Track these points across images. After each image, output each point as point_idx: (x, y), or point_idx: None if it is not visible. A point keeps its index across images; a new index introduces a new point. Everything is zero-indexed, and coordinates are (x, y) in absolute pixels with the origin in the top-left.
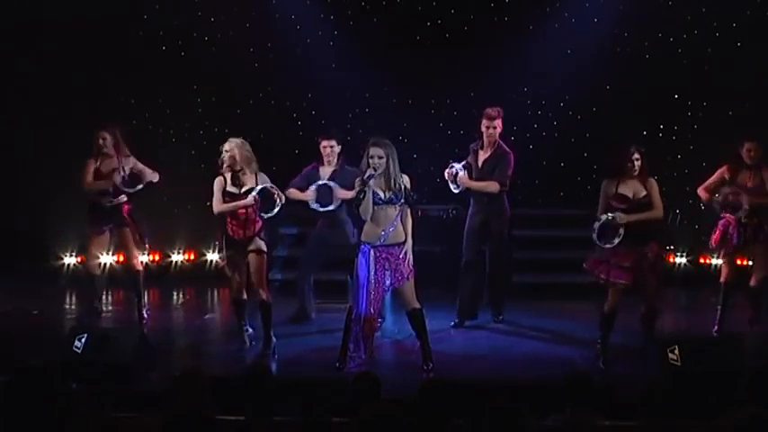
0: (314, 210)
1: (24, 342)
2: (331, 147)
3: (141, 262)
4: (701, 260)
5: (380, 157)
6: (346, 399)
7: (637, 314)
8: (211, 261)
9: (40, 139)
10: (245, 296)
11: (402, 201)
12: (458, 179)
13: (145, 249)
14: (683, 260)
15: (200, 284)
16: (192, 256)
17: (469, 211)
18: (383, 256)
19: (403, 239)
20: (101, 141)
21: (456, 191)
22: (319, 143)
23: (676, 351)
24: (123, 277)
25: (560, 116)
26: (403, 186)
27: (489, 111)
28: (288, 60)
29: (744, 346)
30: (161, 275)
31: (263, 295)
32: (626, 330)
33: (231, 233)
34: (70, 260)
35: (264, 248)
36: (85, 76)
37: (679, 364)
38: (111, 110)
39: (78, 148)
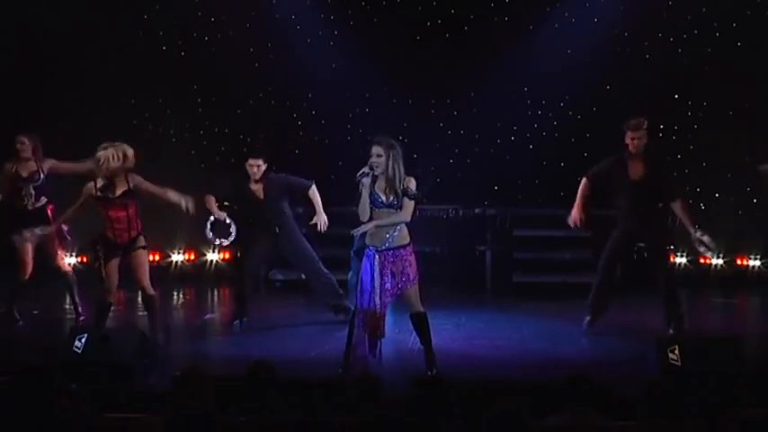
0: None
1: (24, 342)
2: (258, 166)
3: (69, 264)
4: (702, 260)
5: (379, 156)
6: (346, 399)
7: (638, 314)
8: (211, 261)
9: (39, 140)
10: (111, 300)
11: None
12: None
13: (69, 250)
14: (683, 260)
15: (200, 284)
16: (192, 256)
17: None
18: (389, 259)
19: (408, 242)
20: (18, 146)
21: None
22: (246, 161)
23: (676, 351)
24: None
25: (560, 116)
26: (406, 188)
27: (633, 121)
28: (288, 60)
29: (744, 347)
30: (161, 275)
31: (149, 289)
32: (626, 330)
33: (113, 237)
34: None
35: (145, 244)
36: (85, 77)
37: (679, 364)
38: (111, 110)
39: (78, 148)
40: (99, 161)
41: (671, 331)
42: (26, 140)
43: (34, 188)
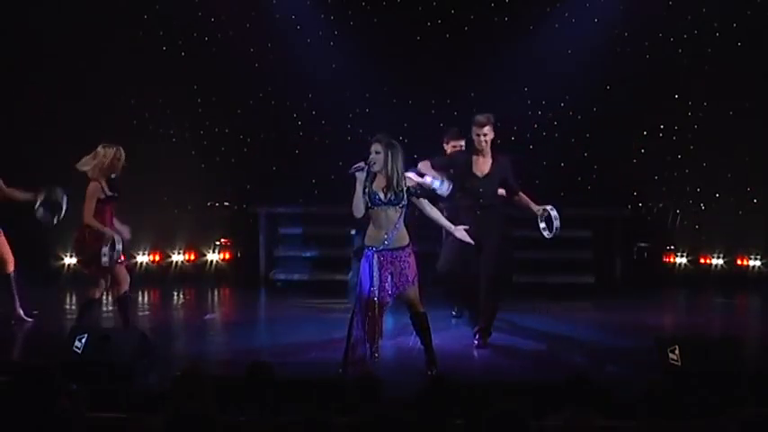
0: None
1: (24, 342)
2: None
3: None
4: (701, 260)
5: (377, 153)
6: (347, 399)
7: (638, 314)
8: (211, 261)
9: (40, 139)
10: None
11: (404, 203)
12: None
13: None
14: (683, 260)
15: (200, 284)
16: (192, 256)
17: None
18: (388, 260)
19: (407, 242)
20: None
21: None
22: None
23: (676, 351)
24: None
25: (560, 116)
26: (405, 187)
27: (479, 117)
28: (288, 60)
29: (744, 347)
30: (161, 275)
31: None
32: (626, 330)
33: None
34: (70, 260)
35: None
36: (85, 77)
37: (679, 364)
38: (111, 110)
39: (78, 149)
40: (122, 156)
41: (478, 326)
42: None
43: None
